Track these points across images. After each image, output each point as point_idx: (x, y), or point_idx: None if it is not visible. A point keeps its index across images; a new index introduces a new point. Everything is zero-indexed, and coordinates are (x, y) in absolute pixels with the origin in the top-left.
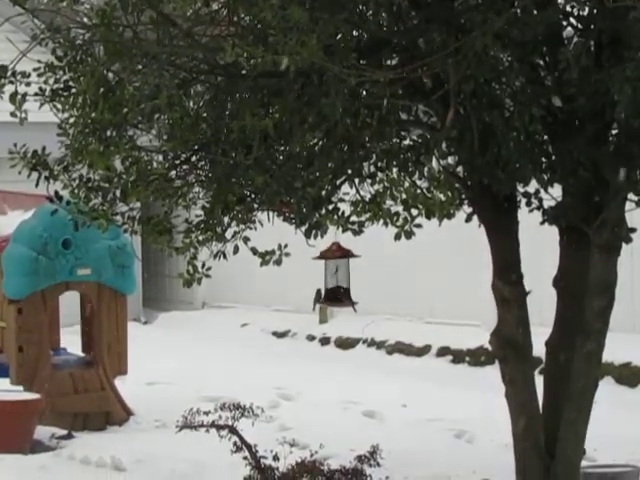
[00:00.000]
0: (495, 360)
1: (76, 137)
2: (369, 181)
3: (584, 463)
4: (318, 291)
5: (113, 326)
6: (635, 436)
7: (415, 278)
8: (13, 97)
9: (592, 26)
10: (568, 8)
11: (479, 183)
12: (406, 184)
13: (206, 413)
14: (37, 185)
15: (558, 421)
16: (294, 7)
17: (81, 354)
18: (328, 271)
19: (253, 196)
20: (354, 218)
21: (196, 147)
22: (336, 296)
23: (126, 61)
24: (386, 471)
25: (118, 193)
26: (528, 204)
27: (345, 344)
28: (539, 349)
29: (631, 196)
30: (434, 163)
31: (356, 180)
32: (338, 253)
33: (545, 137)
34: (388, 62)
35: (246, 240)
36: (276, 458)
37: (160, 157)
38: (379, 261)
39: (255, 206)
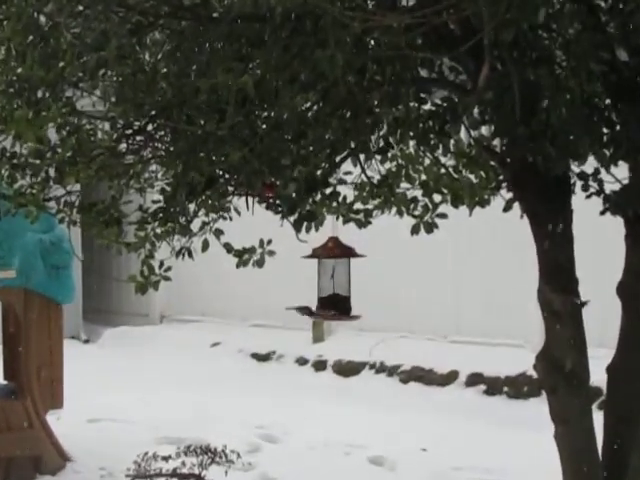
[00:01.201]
0: (541, 391)
1: None
2: (378, 158)
3: None
4: (304, 308)
5: (45, 345)
6: None
7: (437, 284)
8: None
9: None
10: None
11: (521, 160)
12: (426, 162)
13: (165, 459)
14: None
15: (623, 470)
16: None
17: (2, 382)
18: (322, 274)
19: (227, 176)
20: (359, 205)
21: (153, 112)
22: (333, 306)
23: (63, 0)
24: None
25: (52, 172)
26: (585, 188)
27: (346, 370)
28: (599, 377)
29: None
30: (463, 134)
31: (361, 156)
32: (336, 251)
33: (607, 101)
34: (404, 2)
35: (218, 234)
36: None
37: (107, 125)
38: (389, 262)
39: (230, 189)
